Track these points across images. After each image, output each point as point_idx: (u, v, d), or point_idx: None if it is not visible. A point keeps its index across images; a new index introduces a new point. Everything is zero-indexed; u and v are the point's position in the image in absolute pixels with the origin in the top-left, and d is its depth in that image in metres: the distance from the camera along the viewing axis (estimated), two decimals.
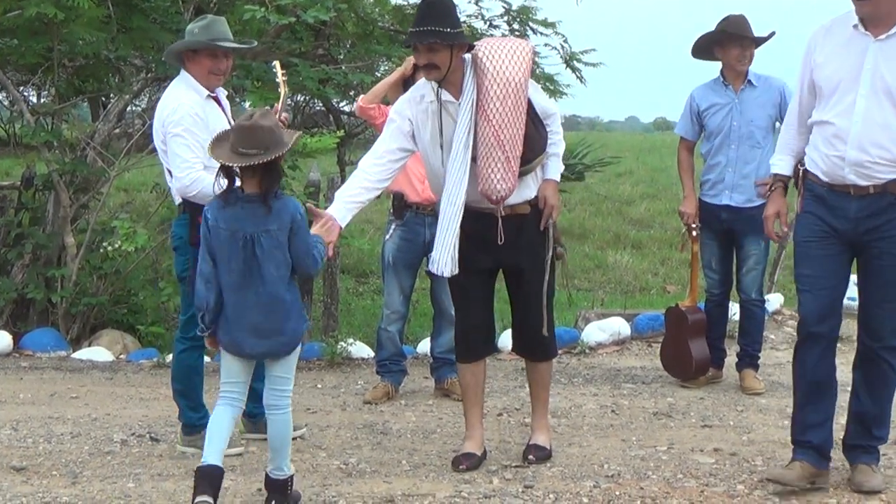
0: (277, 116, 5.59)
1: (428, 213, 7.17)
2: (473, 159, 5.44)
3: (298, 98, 13.67)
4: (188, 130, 5.77)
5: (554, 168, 5.77)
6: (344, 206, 5.48)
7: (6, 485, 5.44)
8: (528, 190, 5.66)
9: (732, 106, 7.39)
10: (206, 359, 7.76)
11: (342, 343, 8.52)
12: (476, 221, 5.55)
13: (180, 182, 5.78)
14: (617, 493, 5.41)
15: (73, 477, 5.60)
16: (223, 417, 5.06)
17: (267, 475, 5.11)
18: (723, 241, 7.58)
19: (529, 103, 5.52)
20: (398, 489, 5.43)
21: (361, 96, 7.49)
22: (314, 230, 5.21)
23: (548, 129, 5.71)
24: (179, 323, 6.16)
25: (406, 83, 7.30)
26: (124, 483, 5.50)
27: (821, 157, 5.22)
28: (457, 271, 5.53)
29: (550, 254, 5.74)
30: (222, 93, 6.23)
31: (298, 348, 5.14)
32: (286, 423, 5.08)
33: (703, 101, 7.55)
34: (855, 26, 5.16)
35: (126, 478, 5.59)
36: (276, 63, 6.52)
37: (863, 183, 5.11)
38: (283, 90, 6.35)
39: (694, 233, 7.46)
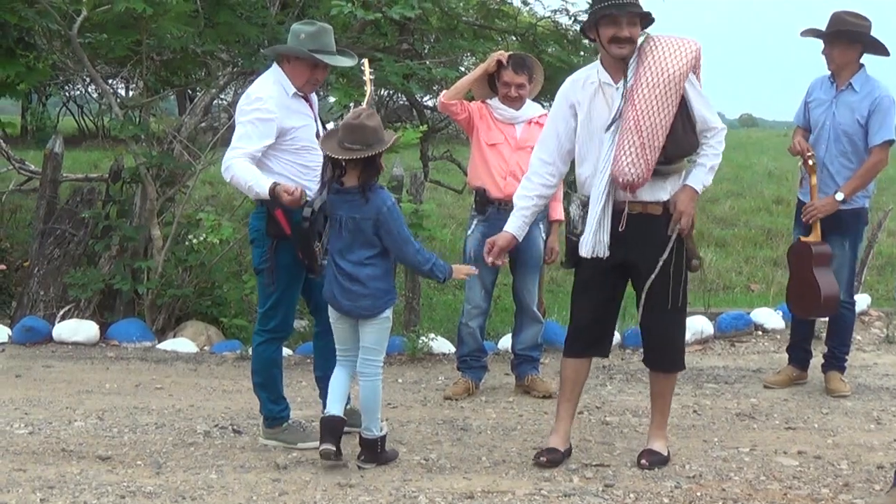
0: None
1: (510, 209, 7.14)
2: None
3: (383, 93, 13.74)
4: (251, 121, 5.85)
5: (697, 176, 5.64)
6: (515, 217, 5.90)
7: (91, 473, 5.53)
8: (662, 191, 5.58)
9: (830, 104, 7.28)
10: (287, 351, 7.85)
11: (423, 338, 8.53)
12: None
13: (223, 163, 5.89)
14: (698, 493, 5.37)
15: (157, 467, 5.68)
16: (340, 375, 5.79)
17: (360, 434, 5.73)
18: None
19: (683, 103, 5.47)
20: (478, 486, 5.43)
21: (444, 92, 7.48)
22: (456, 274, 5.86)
23: (704, 141, 5.61)
24: (258, 316, 6.21)
25: (490, 79, 7.32)
26: (207, 474, 5.56)
27: None
28: (608, 253, 5.52)
29: (674, 260, 5.59)
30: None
31: (384, 324, 5.70)
32: (373, 390, 5.67)
33: (811, 91, 7.49)
34: None
35: (209, 469, 5.66)
36: (365, 61, 6.53)
37: None
38: (369, 88, 6.37)
39: (810, 161, 7.12)
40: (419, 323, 9.16)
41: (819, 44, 7.34)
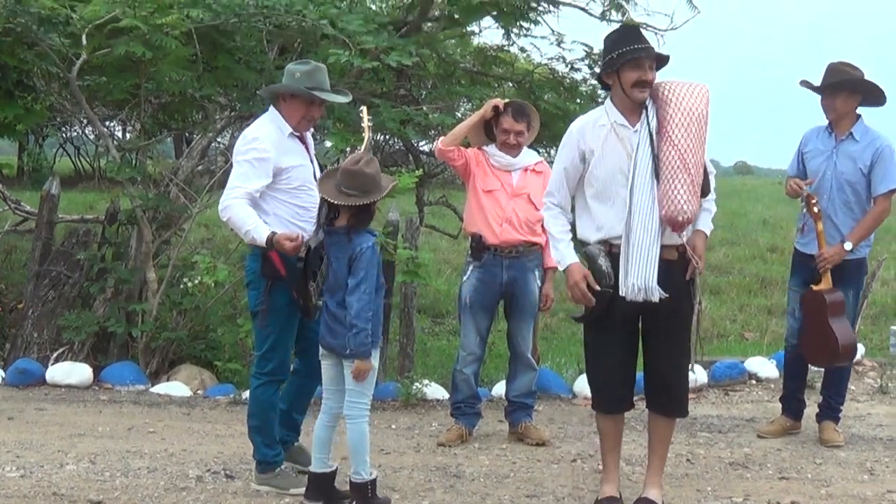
0: None
1: (506, 256, 7.19)
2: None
3: (379, 137, 13.77)
4: (248, 161, 5.92)
5: (705, 221, 5.72)
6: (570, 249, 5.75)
7: None
8: (677, 235, 5.59)
9: (830, 154, 7.31)
10: None
11: (417, 384, 8.52)
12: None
13: (221, 203, 5.94)
14: None
15: None
16: (321, 425, 5.81)
17: (350, 478, 5.72)
18: None
19: None
20: None
21: (441, 138, 7.52)
22: None
23: None
24: (255, 358, 6.22)
25: (487, 126, 7.36)
26: None
27: None
28: (665, 295, 5.45)
29: (686, 305, 5.63)
30: (308, 132, 6.34)
31: (368, 365, 5.63)
32: (359, 432, 5.66)
33: (807, 142, 7.50)
34: None
35: None
36: (364, 109, 6.59)
37: None
38: (367, 135, 6.43)
39: (815, 209, 7.08)
40: (413, 369, 9.15)
41: (812, 94, 7.39)
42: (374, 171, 5.56)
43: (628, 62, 5.49)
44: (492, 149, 7.38)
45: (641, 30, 5.74)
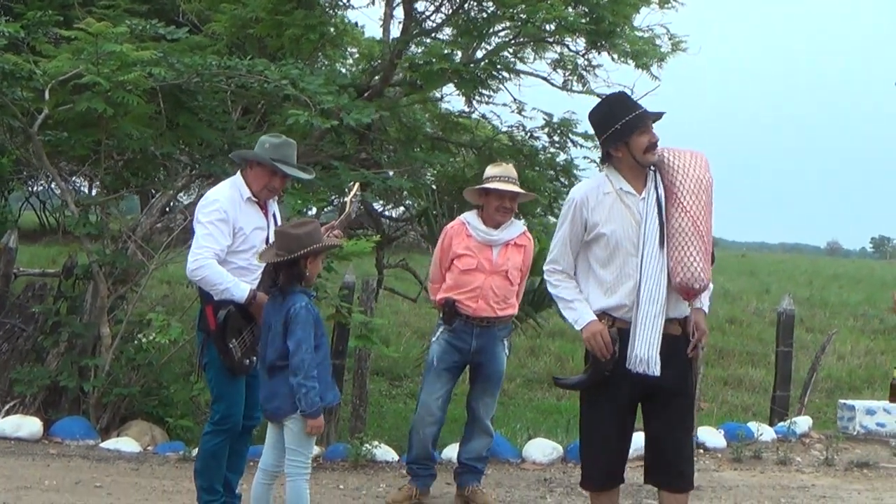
0: (332, 231, 6.31)
1: (476, 325, 7.19)
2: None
3: (342, 200, 13.88)
4: (212, 222, 6.11)
5: (705, 300, 5.58)
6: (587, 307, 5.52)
7: None
8: (681, 308, 5.48)
9: None
10: None
11: (367, 445, 8.52)
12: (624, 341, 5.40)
13: (188, 265, 6.10)
14: None
15: None
16: (258, 483, 5.89)
17: None
18: None
19: None
20: None
21: (430, 287, 7.60)
22: None
23: None
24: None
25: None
26: None
27: None
28: (657, 372, 5.27)
29: (690, 380, 5.51)
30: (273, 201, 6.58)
31: (299, 425, 5.65)
32: (296, 490, 5.70)
33: None
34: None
35: None
36: (357, 185, 6.83)
37: None
38: (348, 209, 6.65)
39: None
40: (364, 430, 9.17)
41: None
42: (303, 232, 5.67)
43: (637, 129, 5.40)
44: (474, 221, 7.29)
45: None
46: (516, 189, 7.23)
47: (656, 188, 5.39)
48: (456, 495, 7.50)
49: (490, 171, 7.33)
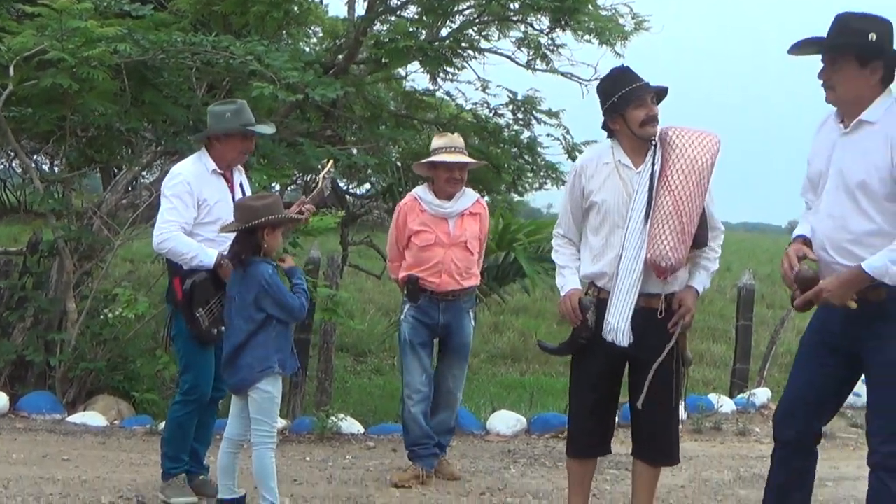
0: (303, 206, 6.49)
1: (441, 299, 7.20)
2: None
3: (307, 177, 13.92)
4: (176, 195, 6.23)
5: (701, 279, 5.61)
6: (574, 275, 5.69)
7: None
8: (668, 285, 5.48)
9: None
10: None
11: (333, 418, 8.59)
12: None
13: (154, 238, 6.23)
14: None
15: None
16: (223, 453, 6.03)
17: None
18: None
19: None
20: None
21: (390, 266, 7.64)
22: None
23: (709, 241, 5.61)
24: None
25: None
26: None
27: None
28: (631, 340, 5.36)
29: (674, 355, 5.47)
30: (240, 169, 6.67)
31: (263, 395, 5.82)
32: (261, 459, 5.83)
33: None
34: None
35: None
36: (331, 162, 6.93)
37: None
38: (320, 185, 6.71)
39: None
40: (330, 403, 9.24)
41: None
42: (261, 204, 5.80)
43: (632, 102, 5.45)
44: (426, 195, 7.27)
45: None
46: (464, 159, 7.21)
47: (653, 164, 5.43)
48: None
49: (436, 142, 7.32)
